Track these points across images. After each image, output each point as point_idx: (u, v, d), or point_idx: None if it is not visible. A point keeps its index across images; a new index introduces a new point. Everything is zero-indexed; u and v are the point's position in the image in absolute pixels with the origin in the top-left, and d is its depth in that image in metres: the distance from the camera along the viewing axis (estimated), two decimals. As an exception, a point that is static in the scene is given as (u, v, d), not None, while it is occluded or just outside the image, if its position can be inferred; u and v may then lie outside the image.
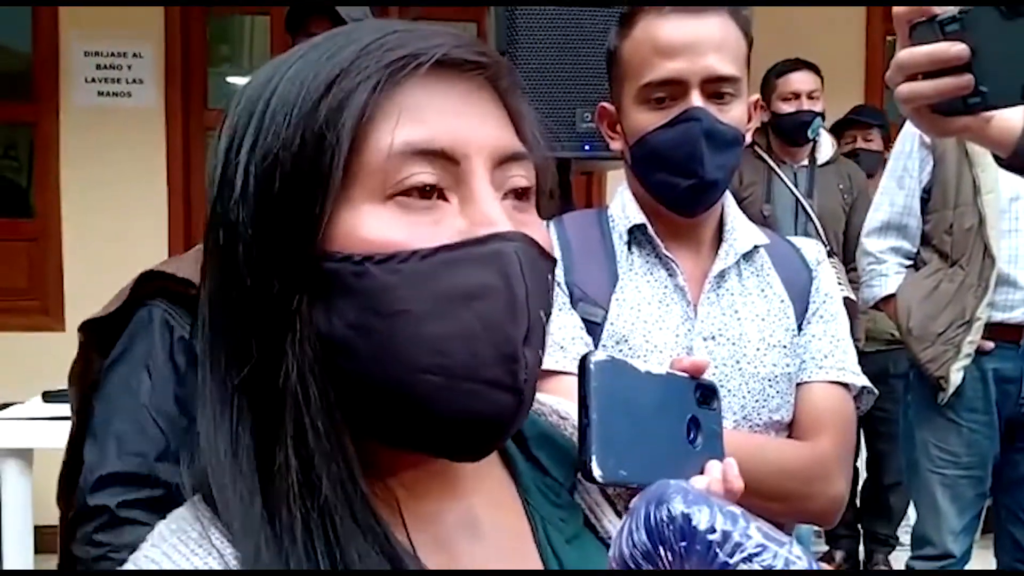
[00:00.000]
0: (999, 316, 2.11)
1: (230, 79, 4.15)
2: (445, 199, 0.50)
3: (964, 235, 2.14)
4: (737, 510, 0.46)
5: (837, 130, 3.33)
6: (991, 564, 2.39)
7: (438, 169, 0.49)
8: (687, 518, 0.45)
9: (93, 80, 3.63)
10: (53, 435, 1.98)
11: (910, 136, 2.18)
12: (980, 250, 2.12)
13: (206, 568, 0.47)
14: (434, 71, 0.50)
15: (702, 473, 0.68)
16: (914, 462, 2.28)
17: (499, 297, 0.48)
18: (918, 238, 2.25)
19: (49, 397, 2.13)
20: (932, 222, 2.22)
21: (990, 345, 2.12)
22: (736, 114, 1.12)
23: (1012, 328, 2.11)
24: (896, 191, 2.22)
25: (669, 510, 0.46)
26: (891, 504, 3.24)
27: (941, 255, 2.20)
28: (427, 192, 0.49)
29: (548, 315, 0.53)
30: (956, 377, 2.13)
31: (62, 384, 2.20)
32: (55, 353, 3.42)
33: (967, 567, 2.28)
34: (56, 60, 3.61)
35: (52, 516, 3.62)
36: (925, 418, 2.23)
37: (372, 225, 0.48)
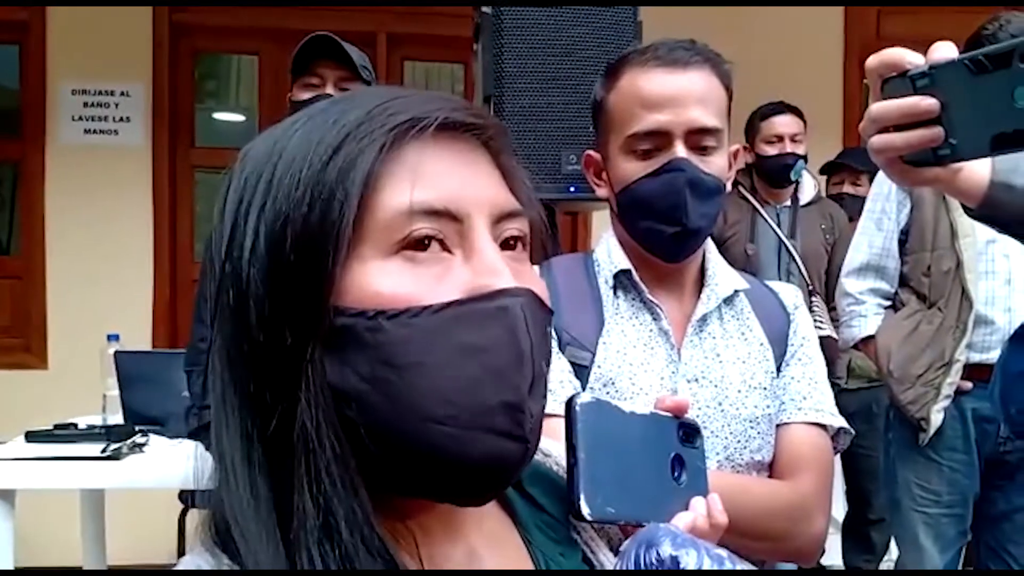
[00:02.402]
0: (977, 357, 2.14)
1: (217, 116, 4.17)
2: (449, 252, 0.52)
3: (942, 278, 2.17)
4: (724, 553, 0.48)
5: (826, 171, 3.36)
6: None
7: (441, 225, 0.52)
8: (675, 561, 0.47)
9: (80, 118, 3.64)
10: (36, 476, 1.95)
11: (888, 178, 2.21)
12: (958, 293, 2.14)
13: None
14: (434, 134, 0.53)
15: (687, 509, 0.70)
16: (896, 501, 2.29)
17: (506, 350, 0.50)
18: (896, 279, 2.27)
19: (32, 437, 2.10)
20: (910, 264, 2.24)
21: (969, 385, 2.14)
22: (718, 164, 1.15)
23: (990, 368, 2.13)
24: (875, 232, 2.25)
25: (658, 553, 0.47)
26: (873, 539, 3.24)
27: (919, 296, 2.23)
28: (429, 245, 0.51)
29: (548, 365, 0.55)
30: (936, 418, 2.14)
31: (45, 423, 2.20)
32: (38, 391, 3.42)
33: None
34: (43, 97, 3.63)
35: (35, 558, 3.58)
36: (906, 457, 2.25)
37: (381, 279, 0.50)
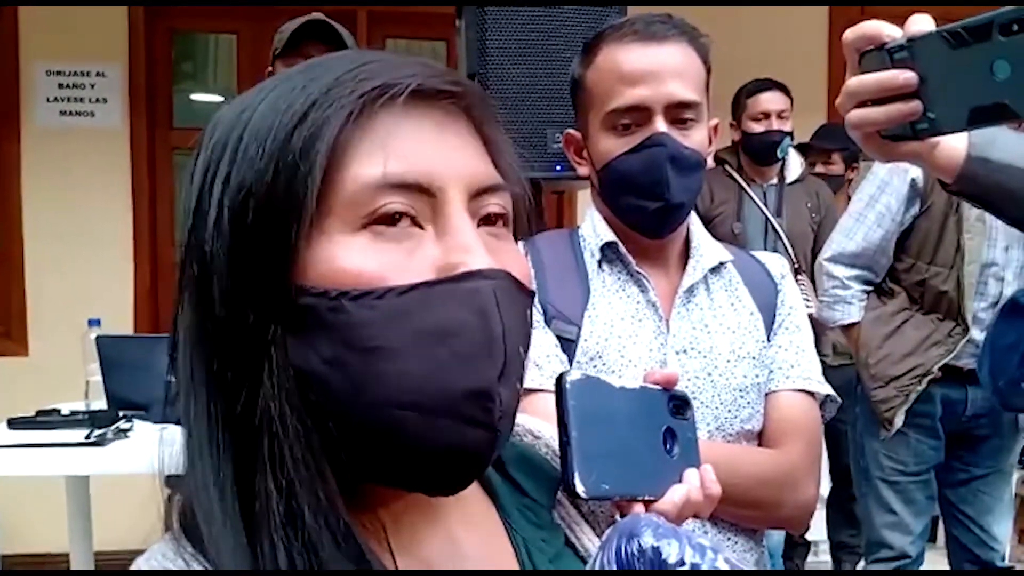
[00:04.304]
0: (950, 360, 2.18)
1: (195, 97, 4.12)
2: (420, 227, 0.50)
3: (938, 297, 2.18)
4: (706, 542, 0.47)
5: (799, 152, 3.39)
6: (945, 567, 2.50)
7: (413, 200, 0.49)
8: (657, 551, 0.46)
9: (55, 99, 3.58)
10: (18, 463, 1.93)
11: (900, 172, 2.17)
12: (954, 314, 2.16)
13: None
14: (408, 101, 0.50)
15: (681, 482, 0.70)
16: (865, 470, 2.36)
17: (476, 335, 0.48)
18: (885, 272, 2.28)
19: (14, 424, 2.08)
20: (905, 265, 2.24)
21: (939, 374, 2.19)
22: (698, 138, 1.15)
23: (959, 369, 2.19)
24: (874, 227, 2.22)
25: (640, 544, 0.46)
26: (857, 514, 3.28)
27: (910, 297, 2.24)
28: (399, 220, 0.49)
29: (526, 349, 0.53)
30: (899, 420, 2.21)
31: (27, 409, 2.17)
32: (19, 378, 3.38)
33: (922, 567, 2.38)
34: (17, 79, 3.56)
35: (19, 545, 3.55)
36: (874, 430, 2.30)
37: (346, 256, 0.48)
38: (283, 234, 0.47)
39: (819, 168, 3.31)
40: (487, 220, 0.52)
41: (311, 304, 0.48)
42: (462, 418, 0.48)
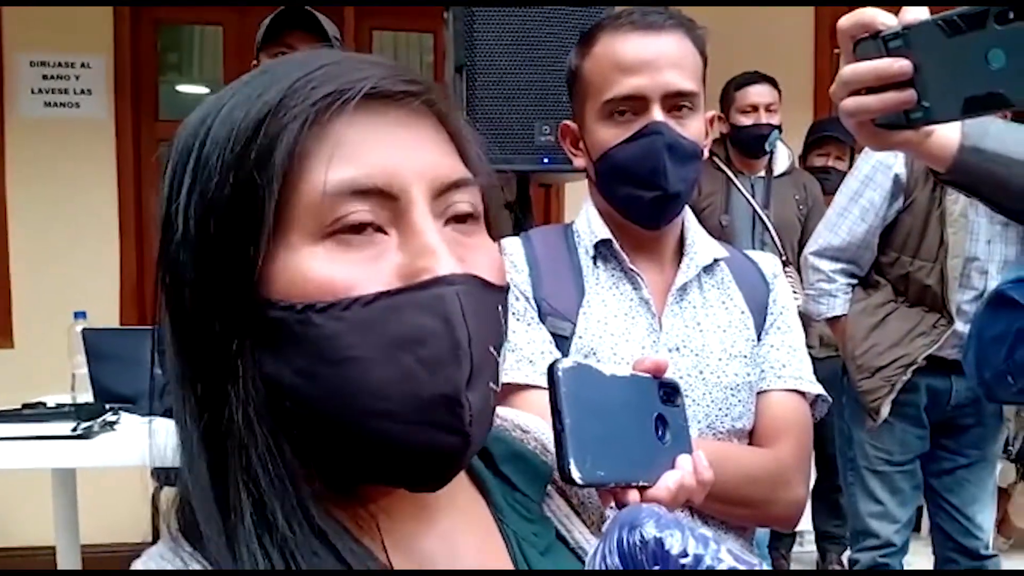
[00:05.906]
0: (933, 350, 2.20)
1: (181, 88, 4.09)
2: (384, 232, 0.49)
3: (922, 290, 2.20)
4: (708, 533, 0.47)
5: (811, 144, 3.32)
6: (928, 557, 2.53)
7: (375, 206, 0.49)
8: (659, 542, 0.46)
9: (40, 91, 3.54)
10: (4, 456, 1.91)
11: (884, 168, 2.18)
12: (938, 307, 2.18)
13: None
14: (364, 104, 0.50)
15: (674, 468, 0.70)
16: (851, 459, 2.38)
17: (441, 342, 0.48)
18: (869, 265, 2.30)
19: (0, 417, 2.06)
20: (889, 259, 2.25)
21: (924, 363, 2.21)
22: (695, 128, 1.15)
23: (943, 359, 2.21)
24: (858, 222, 2.23)
25: (642, 534, 0.46)
26: (842, 504, 3.31)
27: (895, 289, 2.26)
28: (363, 228, 0.49)
29: (499, 348, 0.52)
30: (885, 411, 2.23)
31: (13, 402, 2.16)
32: (4, 371, 3.36)
33: (904, 560, 2.40)
34: (0, 70, 3.52)
35: (5, 539, 3.51)
36: (860, 420, 2.32)
37: (310, 267, 0.48)
38: (244, 245, 0.48)
39: (831, 162, 3.24)
40: (456, 218, 0.52)
41: (279, 318, 0.48)
42: (433, 424, 0.48)
